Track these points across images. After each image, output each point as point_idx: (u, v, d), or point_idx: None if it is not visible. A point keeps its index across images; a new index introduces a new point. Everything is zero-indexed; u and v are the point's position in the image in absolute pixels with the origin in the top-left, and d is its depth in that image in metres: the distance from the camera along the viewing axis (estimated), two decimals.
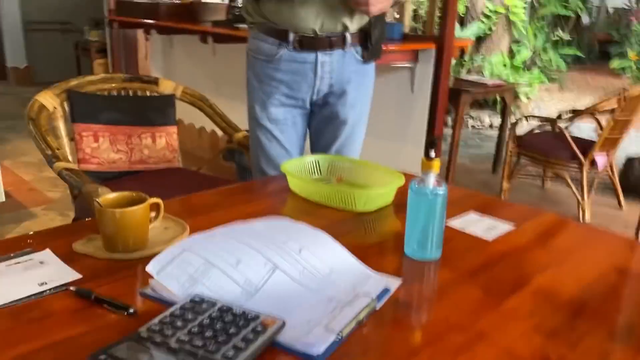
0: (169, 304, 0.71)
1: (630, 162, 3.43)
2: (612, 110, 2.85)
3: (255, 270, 0.79)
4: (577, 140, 3.04)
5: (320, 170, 1.27)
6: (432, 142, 0.88)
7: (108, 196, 0.89)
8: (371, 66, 1.59)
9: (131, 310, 0.71)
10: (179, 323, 0.66)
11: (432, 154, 0.87)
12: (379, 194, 1.09)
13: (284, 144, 1.52)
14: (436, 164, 0.87)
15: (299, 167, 1.25)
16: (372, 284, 0.79)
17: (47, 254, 0.86)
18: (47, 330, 0.67)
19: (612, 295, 0.83)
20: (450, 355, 0.65)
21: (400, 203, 1.14)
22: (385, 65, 2.37)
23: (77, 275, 0.80)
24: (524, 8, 5.53)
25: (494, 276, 0.85)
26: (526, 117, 3.42)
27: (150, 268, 0.74)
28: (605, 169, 3.05)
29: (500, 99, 4.10)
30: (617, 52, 7.26)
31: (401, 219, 1.07)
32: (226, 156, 2.76)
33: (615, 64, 7.08)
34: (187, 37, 3.27)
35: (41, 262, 0.84)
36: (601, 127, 3.01)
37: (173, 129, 1.97)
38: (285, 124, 1.51)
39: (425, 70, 2.46)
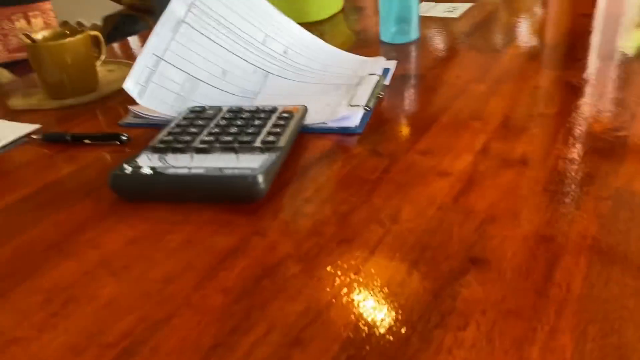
0: (161, 125, 0.61)
1: None
2: None
3: (246, 79, 0.69)
4: None
5: None
6: None
7: (35, 35, 0.73)
8: None
9: (124, 137, 0.60)
10: (193, 129, 0.56)
11: None
12: None
13: None
14: None
15: None
16: (372, 66, 0.73)
17: None
18: (30, 177, 0.55)
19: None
20: (480, 101, 0.62)
21: (349, 7, 1.07)
22: None
23: (33, 126, 0.66)
24: None
25: (483, 37, 0.83)
26: None
27: (128, 85, 0.61)
28: None
29: None
30: None
31: (358, 19, 1.01)
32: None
33: None
34: None
35: None
36: None
37: (47, 5, 1.68)
38: None
39: None
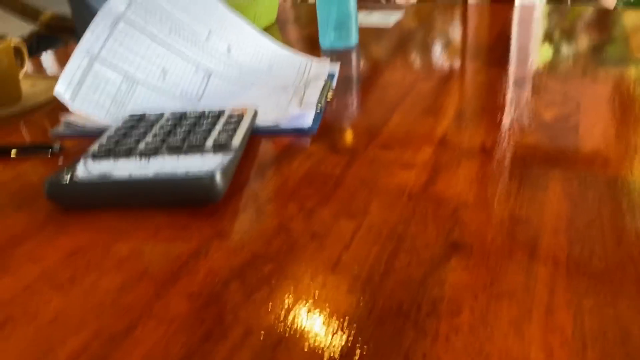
0: (97, 135, 0.56)
1: None
2: None
3: (187, 80, 0.66)
4: None
5: None
6: None
7: None
8: None
9: (56, 147, 0.55)
10: (135, 134, 0.52)
11: None
12: (266, 6, 0.98)
13: None
14: None
15: None
16: (317, 68, 0.72)
17: None
18: None
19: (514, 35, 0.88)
20: (430, 97, 0.62)
21: (280, 19, 1.06)
22: None
23: None
24: None
25: (422, 40, 0.84)
26: None
27: (59, 88, 0.56)
28: None
29: None
30: None
31: (293, 29, 1.00)
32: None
33: None
34: None
35: None
36: None
37: None
38: None
39: None
